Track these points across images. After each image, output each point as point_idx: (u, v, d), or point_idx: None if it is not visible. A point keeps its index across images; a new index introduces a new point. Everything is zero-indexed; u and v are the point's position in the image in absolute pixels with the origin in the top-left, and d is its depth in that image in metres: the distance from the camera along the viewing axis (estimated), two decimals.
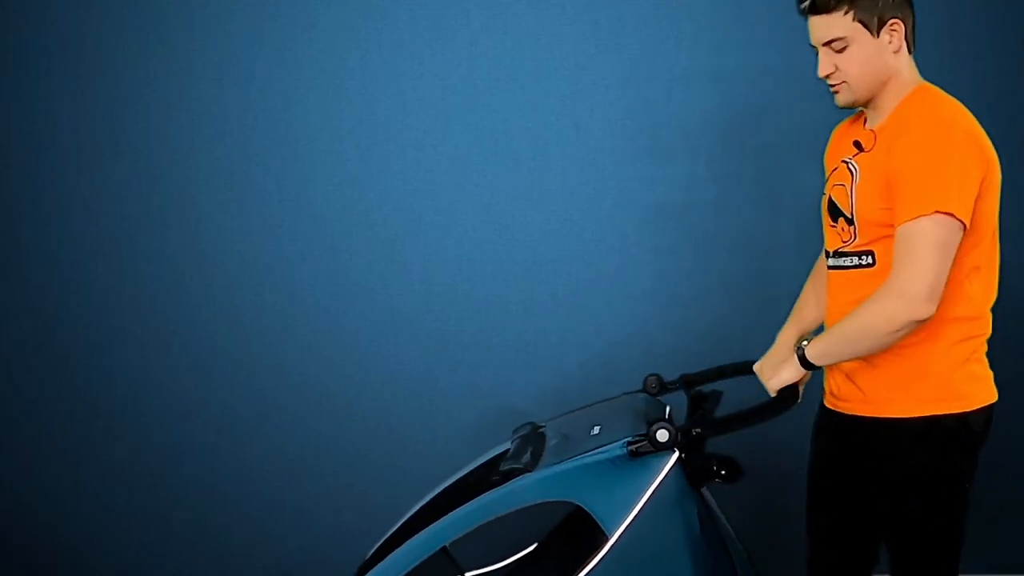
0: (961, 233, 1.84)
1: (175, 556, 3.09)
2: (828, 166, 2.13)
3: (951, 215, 1.81)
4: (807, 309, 2.28)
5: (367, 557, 2.26)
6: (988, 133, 1.94)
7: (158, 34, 2.96)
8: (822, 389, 2.17)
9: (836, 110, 2.06)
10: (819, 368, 2.00)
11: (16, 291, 3.03)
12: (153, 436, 3.06)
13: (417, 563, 2.00)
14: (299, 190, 3.00)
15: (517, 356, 3.02)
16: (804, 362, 1.97)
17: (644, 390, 2.39)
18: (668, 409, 2.26)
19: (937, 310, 1.85)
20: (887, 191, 1.88)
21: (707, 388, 2.36)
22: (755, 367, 2.24)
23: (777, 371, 2.04)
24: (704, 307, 3.00)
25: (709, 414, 2.22)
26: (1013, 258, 2.84)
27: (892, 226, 1.88)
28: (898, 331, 1.84)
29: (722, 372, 2.41)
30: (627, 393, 2.42)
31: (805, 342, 2.01)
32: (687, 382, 2.39)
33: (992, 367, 2.02)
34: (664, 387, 2.39)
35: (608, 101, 2.96)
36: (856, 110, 2.07)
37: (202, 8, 2.95)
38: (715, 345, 2.94)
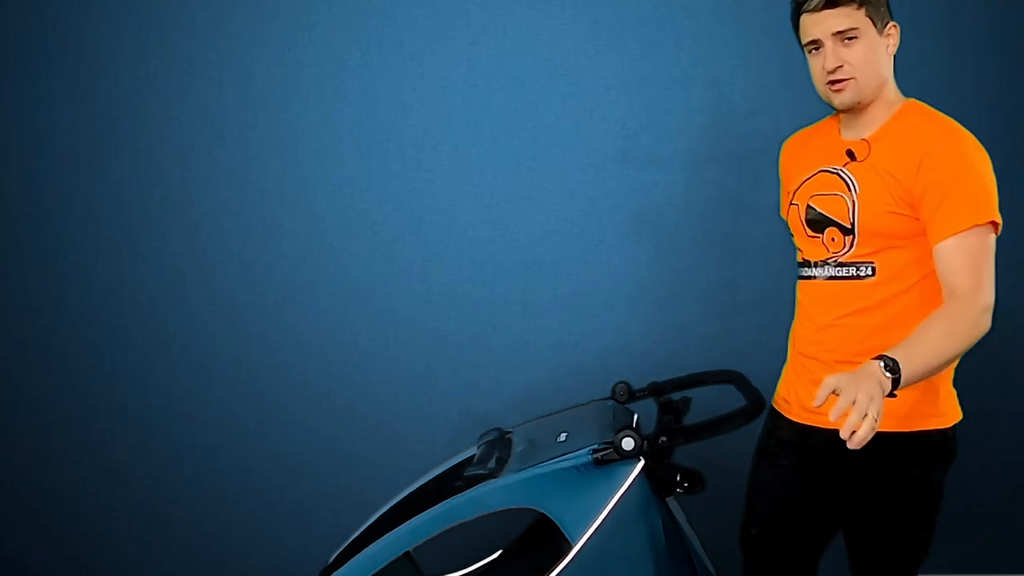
0: None
1: (175, 556, 3.09)
2: (796, 176, 2.10)
3: (998, 225, 1.84)
4: None
5: (329, 561, 2.25)
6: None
7: (158, 34, 2.95)
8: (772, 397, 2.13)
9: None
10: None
11: (16, 291, 3.03)
12: (153, 436, 3.06)
13: (380, 568, 1.99)
14: (299, 190, 3.00)
15: (517, 356, 3.01)
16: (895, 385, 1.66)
17: (612, 397, 2.38)
18: (636, 417, 2.24)
19: None
20: (906, 204, 1.87)
21: (677, 396, 2.34)
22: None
23: (861, 381, 1.62)
24: (706, 308, 2.99)
25: (677, 422, 2.20)
26: (1014, 259, 2.85)
27: (901, 237, 1.89)
28: (971, 345, 1.79)
29: (692, 380, 2.38)
30: (595, 400, 2.41)
31: (882, 363, 1.66)
32: (655, 390, 2.36)
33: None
34: (632, 395, 2.37)
35: (608, 101, 2.96)
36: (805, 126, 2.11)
37: (202, 8, 2.95)
38: (716, 347, 2.94)
